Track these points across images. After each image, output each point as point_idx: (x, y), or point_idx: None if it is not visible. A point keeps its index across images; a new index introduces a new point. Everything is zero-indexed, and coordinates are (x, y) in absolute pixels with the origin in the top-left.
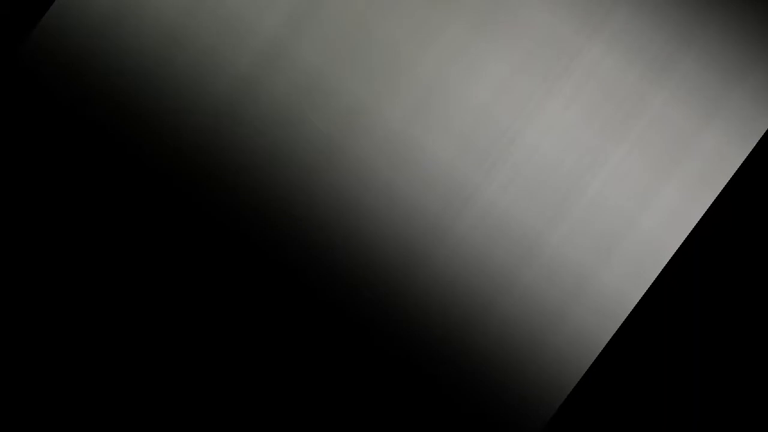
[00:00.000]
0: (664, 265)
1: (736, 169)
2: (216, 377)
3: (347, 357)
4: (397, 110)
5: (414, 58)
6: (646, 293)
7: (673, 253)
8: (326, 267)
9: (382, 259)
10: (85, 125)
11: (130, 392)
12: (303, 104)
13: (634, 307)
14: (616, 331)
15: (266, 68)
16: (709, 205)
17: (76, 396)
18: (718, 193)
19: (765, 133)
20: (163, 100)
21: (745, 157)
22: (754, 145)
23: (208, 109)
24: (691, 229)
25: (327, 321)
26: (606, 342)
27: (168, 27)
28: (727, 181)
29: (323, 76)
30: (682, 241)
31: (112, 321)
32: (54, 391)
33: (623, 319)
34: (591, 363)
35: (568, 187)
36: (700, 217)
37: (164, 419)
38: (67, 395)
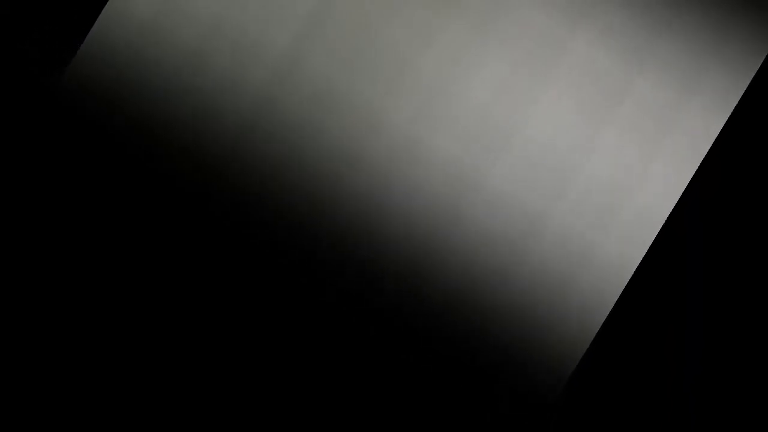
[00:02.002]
0: (659, 229)
1: (715, 138)
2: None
3: (374, 341)
4: (405, 112)
5: (417, 61)
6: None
7: (665, 218)
8: (353, 263)
9: (404, 249)
10: (119, 147)
11: (149, 388)
12: (318, 112)
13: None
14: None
15: (281, 82)
16: (694, 172)
17: (76, 396)
18: (701, 161)
19: (740, 106)
20: (188, 121)
21: (721, 127)
22: (729, 115)
23: (231, 125)
24: (679, 195)
25: (353, 313)
26: (613, 302)
27: (187, 53)
28: (708, 148)
29: (334, 85)
30: (672, 207)
31: (157, 326)
32: (54, 391)
33: (627, 281)
34: (601, 323)
35: (566, 169)
36: (686, 184)
37: (187, 413)
38: (67, 395)
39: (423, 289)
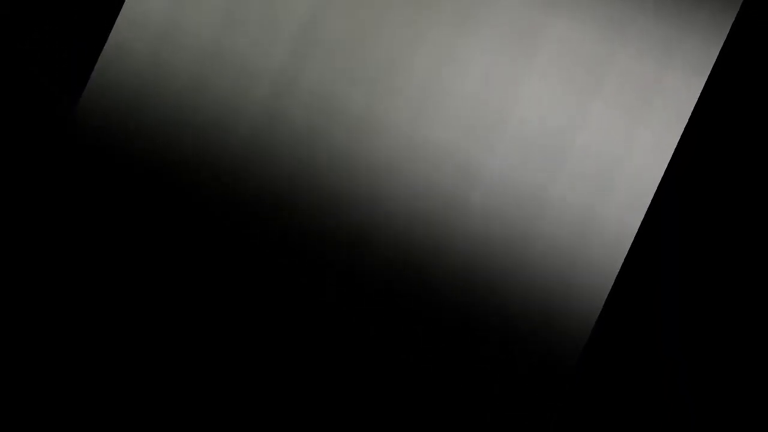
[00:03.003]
0: (653, 192)
1: (695, 101)
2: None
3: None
4: (403, 111)
5: (408, 62)
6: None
7: (659, 180)
8: (363, 259)
9: (411, 238)
10: (135, 168)
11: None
12: (319, 120)
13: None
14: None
15: (281, 97)
16: (680, 134)
17: (77, 396)
18: (685, 123)
19: (720, 69)
20: (195, 140)
21: (701, 90)
22: (707, 78)
23: (237, 142)
24: (669, 158)
25: (366, 299)
26: (619, 266)
27: (190, 79)
28: (691, 110)
29: (332, 94)
30: (664, 170)
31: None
32: (54, 391)
33: (629, 245)
34: (610, 288)
35: (559, 146)
36: (675, 146)
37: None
38: (68, 395)
39: (434, 272)
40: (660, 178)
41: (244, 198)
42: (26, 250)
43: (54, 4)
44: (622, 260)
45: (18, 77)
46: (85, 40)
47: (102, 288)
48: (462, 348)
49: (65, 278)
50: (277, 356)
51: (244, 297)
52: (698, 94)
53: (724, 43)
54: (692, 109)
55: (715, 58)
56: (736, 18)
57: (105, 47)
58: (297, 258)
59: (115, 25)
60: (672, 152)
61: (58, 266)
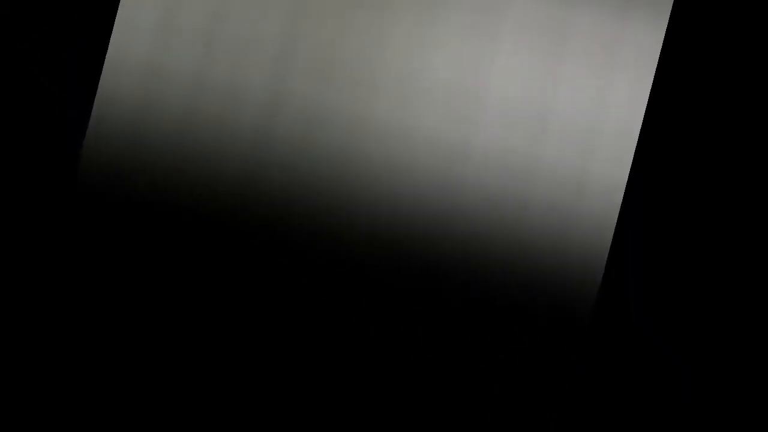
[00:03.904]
0: (636, 141)
1: (660, 48)
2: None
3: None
4: (386, 106)
5: (383, 60)
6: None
7: (639, 128)
8: (369, 255)
9: (415, 228)
10: (142, 199)
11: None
12: (311, 131)
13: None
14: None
15: (269, 115)
16: (651, 82)
17: (77, 396)
18: (654, 70)
19: (679, 13)
20: (195, 163)
21: (663, 37)
22: (666, 24)
23: (234, 162)
24: (645, 103)
25: (376, 281)
26: (615, 218)
27: (182, 110)
28: (658, 55)
29: (319, 103)
30: (642, 116)
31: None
32: (54, 391)
33: (621, 199)
34: (611, 239)
35: (539, 113)
36: (649, 92)
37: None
38: (68, 395)
39: (438, 256)
40: (640, 127)
41: (247, 201)
42: (26, 250)
43: (54, 4)
44: (617, 211)
45: (18, 77)
46: (85, 40)
47: (103, 289)
48: (464, 345)
49: (66, 279)
50: (277, 356)
51: (244, 297)
52: (661, 41)
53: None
54: (658, 56)
55: (672, 2)
56: None
57: (98, 91)
58: (297, 258)
59: (103, 70)
60: (646, 100)
61: (59, 268)
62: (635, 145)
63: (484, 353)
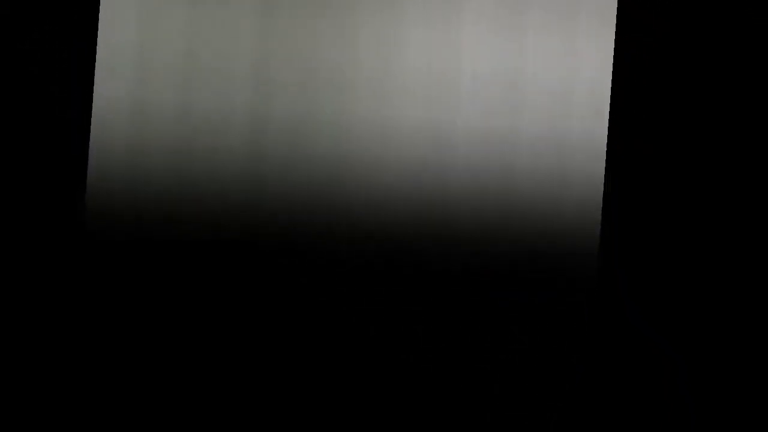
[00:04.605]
0: (609, 95)
1: (617, 2)
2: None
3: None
4: (364, 104)
5: (353, 60)
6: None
7: (610, 80)
8: (367, 252)
9: (409, 219)
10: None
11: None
12: (296, 142)
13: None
14: None
15: (255, 139)
16: (614, 38)
17: (78, 396)
18: (614, 25)
19: None
20: (194, 198)
21: None
22: None
23: (229, 191)
24: (612, 54)
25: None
26: (602, 173)
27: (172, 148)
28: (615, 13)
29: (299, 114)
30: (611, 68)
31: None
32: (55, 391)
33: (605, 149)
34: (601, 196)
35: (512, 81)
36: (613, 42)
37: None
38: (69, 395)
39: (435, 244)
40: (611, 78)
41: (245, 209)
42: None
43: (54, 4)
44: (603, 162)
45: (18, 77)
46: (85, 40)
47: (103, 288)
48: (463, 345)
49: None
50: (277, 356)
51: (244, 298)
52: None
53: None
54: (616, 11)
55: None
56: None
57: (90, 140)
58: (297, 258)
59: (93, 115)
60: (612, 56)
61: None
62: (608, 100)
63: (484, 353)
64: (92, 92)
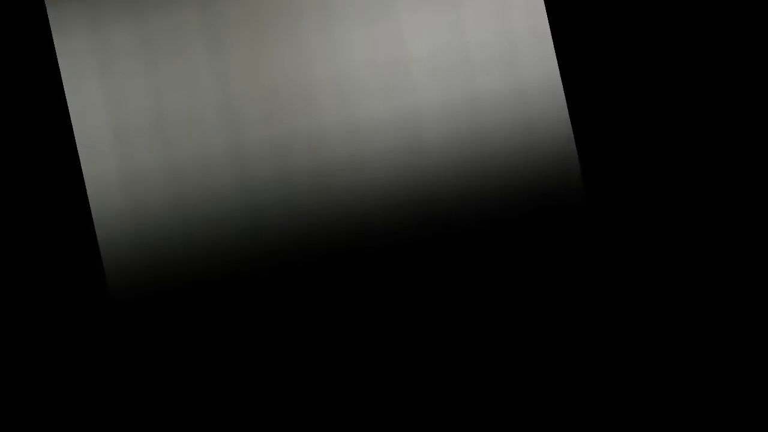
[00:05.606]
0: (551, 41)
1: None
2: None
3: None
4: (331, 112)
5: (305, 69)
6: None
7: (548, 24)
8: (362, 250)
9: (397, 207)
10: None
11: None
12: (285, 166)
13: None
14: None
15: (243, 169)
16: None
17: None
18: None
19: None
20: (199, 230)
21: None
22: None
23: (228, 225)
24: (545, 16)
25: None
26: (564, 100)
27: (166, 191)
28: None
29: (272, 135)
30: (545, 12)
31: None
32: (56, 391)
33: (561, 83)
34: (571, 131)
35: (465, 55)
36: (544, 4)
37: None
38: (70, 396)
39: (410, 208)
40: (550, 33)
41: (244, 218)
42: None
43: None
44: (565, 108)
45: (18, 78)
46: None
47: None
48: (464, 344)
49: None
50: (277, 356)
51: (244, 298)
52: None
53: None
54: None
55: None
56: None
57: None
58: (296, 258)
59: (86, 186)
60: (545, 10)
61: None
62: (552, 44)
63: (485, 352)
64: (82, 174)
